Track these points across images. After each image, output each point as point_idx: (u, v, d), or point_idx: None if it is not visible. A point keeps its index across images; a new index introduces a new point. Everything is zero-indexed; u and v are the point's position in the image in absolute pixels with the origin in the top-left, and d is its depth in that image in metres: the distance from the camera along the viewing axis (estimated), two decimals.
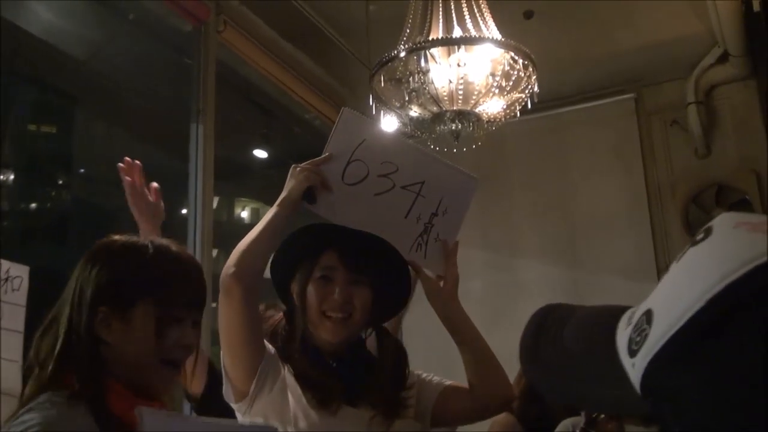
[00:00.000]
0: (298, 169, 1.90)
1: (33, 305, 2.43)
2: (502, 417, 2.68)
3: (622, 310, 0.79)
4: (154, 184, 2.16)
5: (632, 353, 0.70)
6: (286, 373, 1.89)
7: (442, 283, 2.00)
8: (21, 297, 2.32)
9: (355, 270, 1.90)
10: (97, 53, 3.58)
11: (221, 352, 1.88)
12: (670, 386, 0.66)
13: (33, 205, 3.80)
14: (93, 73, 3.66)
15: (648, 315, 0.69)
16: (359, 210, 1.94)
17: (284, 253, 1.95)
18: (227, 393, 1.90)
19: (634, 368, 0.69)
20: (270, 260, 1.97)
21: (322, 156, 1.93)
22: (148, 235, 1.84)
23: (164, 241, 1.47)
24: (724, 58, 4.39)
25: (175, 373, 1.41)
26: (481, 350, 1.96)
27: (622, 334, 0.74)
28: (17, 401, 1.41)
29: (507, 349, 4.52)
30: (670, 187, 4.55)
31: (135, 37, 3.72)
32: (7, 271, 2.30)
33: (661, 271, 4.39)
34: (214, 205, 4.69)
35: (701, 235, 0.72)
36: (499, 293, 4.74)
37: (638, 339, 0.69)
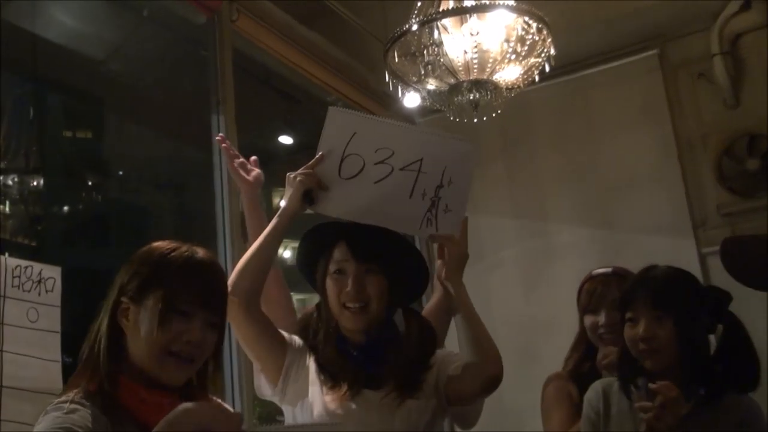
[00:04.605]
0: (293, 176, 1.97)
1: (75, 306, 2.49)
2: (555, 374, 2.71)
3: None
4: (253, 158, 2.37)
5: None
6: (311, 363, 1.99)
7: (444, 262, 2.01)
8: (55, 298, 2.38)
9: (366, 260, 2.00)
10: (114, 53, 3.62)
11: None
12: None
13: (66, 207, 3.86)
14: (112, 72, 3.70)
15: None
16: (360, 201, 1.98)
17: (302, 252, 2.12)
18: (259, 388, 2.08)
19: None
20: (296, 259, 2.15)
21: (315, 158, 1.98)
22: (246, 199, 2.30)
23: (190, 246, 1.59)
24: (747, 5, 4.29)
25: (180, 366, 1.51)
26: (475, 332, 1.96)
27: None
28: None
29: (544, 314, 4.48)
30: (701, 140, 4.48)
31: (150, 33, 3.74)
32: (40, 273, 2.35)
33: (696, 226, 4.34)
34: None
35: None
36: (533, 259, 4.72)
37: None
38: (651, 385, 1.93)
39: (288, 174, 2.02)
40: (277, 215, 1.99)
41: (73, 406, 1.42)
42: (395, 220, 2.02)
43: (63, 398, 1.45)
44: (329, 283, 2.02)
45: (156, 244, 1.59)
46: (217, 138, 2.36)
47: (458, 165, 2.02)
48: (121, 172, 4.16)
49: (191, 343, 1.50)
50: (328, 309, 2.03)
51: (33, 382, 2.21)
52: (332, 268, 2.01)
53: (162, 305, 1.48)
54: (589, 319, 2.63)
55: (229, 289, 1.90)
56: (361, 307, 1.98)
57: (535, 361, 2.85)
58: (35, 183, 3.43)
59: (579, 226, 4.64)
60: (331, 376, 1.97)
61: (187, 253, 1.55)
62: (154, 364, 1.50)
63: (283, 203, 2.01)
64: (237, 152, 2.35)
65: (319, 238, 2.05)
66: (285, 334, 2.07)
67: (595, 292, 2.63)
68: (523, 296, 4.67)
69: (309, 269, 2.10)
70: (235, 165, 2.33)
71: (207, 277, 1.56)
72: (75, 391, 1.46)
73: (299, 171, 1.98)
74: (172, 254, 1.54)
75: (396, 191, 1.99)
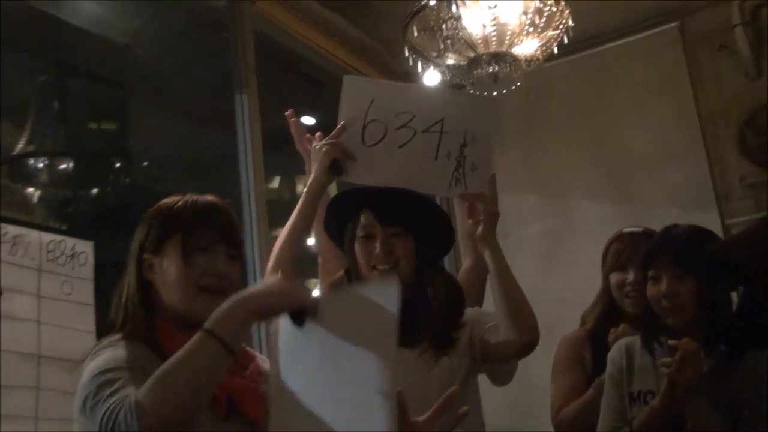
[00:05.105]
0: (317, 146, 2.00)
1: (106, 283, 2.56)
2: (572, 331, 2.76)
3: None
4: (318, 133, 2.36)
5: None
6: None
7: (475, 222, 2.00)
8: (88, 271, 2.46)
9: (391, 223, 2.04)
10: (136, 38, 3.67)
11: None
12: None
13: (95, 191, 3.92)
14: (136, 57, 3.75)
15: None
16: (387, 166, 2.00)
17: (330, 219, 2.16)
18: None
19: None
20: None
21: (337, 128, 2.00)
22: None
23: (191, 194, 1.68)
24: None
25: (214, 299, 1.54)
26: (510, 291, 1.98)
27: None
28: None
29: (567, 292, 4.47)
30: (723, 112, 4.46)
31: (172, 17, 3.78)
32: (73, 248, 2.42)
33: (719, 198, 4.33)
34: (276, 184, 4.76)
35: None
36: (555, 237, 4.73)
37: None
38: (671, 341, 1.96)
39: (313, 146, 2.05)
40: (305, 190, 2.03)
41: (127, 342, 1.50)
42: (423, 183, 2.04)
43: (113, 337, 1.52)
44: (358, 248, 2.06)
45: (162, 201, 1.67)
46: (286, 113, 2.39)
47: (479, 122, 2.02)
48: (145, 156, 4.22)
49: (218, 274, 1.57)
50: (358, 272, 2.08)
51: (69, 352, 2.28)
52: (360, 233, 2.06)
53: (183, 246, 1.56)
54: (615, 277, 2.65)
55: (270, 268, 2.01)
56: (391, 268, 2.02)
57: (559, 338, 2.86)
58: (64, 166, 3.49)
59: (601, 202, 4.64)
60: None
61: (192, 199, 1.64)
62: (189, 303, 1.56)
63: (311, 177, 2.05)
64: (304, 128, 2.40)
65: (345, 204, 2.10)
66: None
67: (624, 252, 2.64)
68: (546, 274, 4.67)
69: (337, 234, 2.15)
70: (305, 139, 2.38)
71: (217, 213, 1.63)
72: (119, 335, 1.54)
73: (323, 142, 2.00)
74: (179, 203, 1.62)
75: (421, 154, 2.00)
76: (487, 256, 1.99)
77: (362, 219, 2.06)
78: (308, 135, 2.39)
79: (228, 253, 1.61)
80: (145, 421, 1.26)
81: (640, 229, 2.71)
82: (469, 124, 2.02)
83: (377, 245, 2.02)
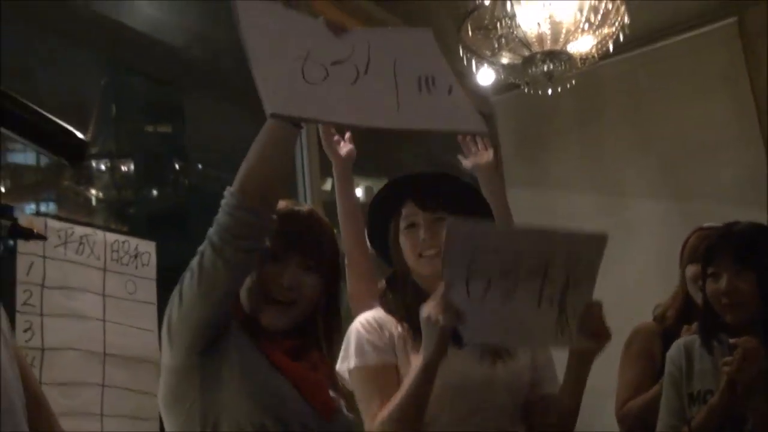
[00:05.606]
0: (425, 315, 1.76)
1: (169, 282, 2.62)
2: (644, 324, 2.74)
3: None
4: (348, 134, 2.46)
5: None
6: (396, 330, 2.01)
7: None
8: (151, 271, 2.51)
9: (434, 209, 2.01)
10: (193, 39, 3.73)
11: None
12: None
13: (155, 191, 4.00)
14: (193, 59, 3.81)
15: None
16: (495, 323, 1.80)
17: (373, 222, 2.14)
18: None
19: None
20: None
21: (443, 288, 1.75)
22: (336, 173, 2.43)
23: (297, 202, 1.71)
24: None
25: (280, 312, 1.56)
26: (574, 404, 1.96)
27: None
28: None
29: (620, 293, 4.41)
30: None
31: (228, 18, 3.83)
32: (136, 248, 2.48)
33: None
34: (329, 186, 4.81)
35: None
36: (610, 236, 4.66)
37: None
38: (731, 339, 1.94)
39: (422, 315, 1.78)
40: (421, 368, 1.79)
41: None
42: (529, 338, 1.90)
43: None
44: (403, 240, 2.04)
45: None
46: None
47: (584, 263, 1.84)
48: (202, 157, 4.29)
49: (282, 285, 1.55)
50: (404, 266, 2.06)
51: (132, 350, 2.34)
52: (403, 224, 2.04)
53: (261, 254, 1.50)
54: (691, 269, 2.62)
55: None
56: (437, 253, 1.94)
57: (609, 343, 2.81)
58: (125, 168, 3.57)
59: (656, 201, 4.58)
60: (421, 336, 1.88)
61: (288, 207, 1.62)
62: (255, 312, 1.56)
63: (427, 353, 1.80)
64: (333, 130, 2.43)
65: (386, 203, 2.08)
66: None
67: (701, 246, 2.60)
68: (599, 274, 4.61)
69: (380, 236, 2.12)
70: (332, 140, 2.40)
71: (300, 223, 1.61)
72: None
73: (434, 311, 1.74)
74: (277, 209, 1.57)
75: (524, 305, 1.80)
76: (577, 365, 1.92)
77: (403, 212, 2.05)
78: (337, 137, 2.42)
79: (302, 263, 1.58)
80: (240, 201, 1.39)
81: (719, 225, 2.67)
82: (573, 266, 1.82)
83: (421, 232, 2.00)
